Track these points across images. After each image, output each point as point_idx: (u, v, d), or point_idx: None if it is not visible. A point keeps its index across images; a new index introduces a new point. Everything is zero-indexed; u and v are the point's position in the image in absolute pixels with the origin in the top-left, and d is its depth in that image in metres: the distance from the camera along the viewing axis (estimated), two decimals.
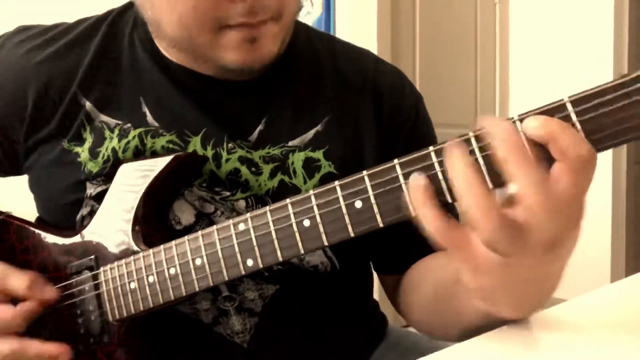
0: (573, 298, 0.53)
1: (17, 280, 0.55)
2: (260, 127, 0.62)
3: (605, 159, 2.67)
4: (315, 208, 0.45)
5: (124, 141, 0.60)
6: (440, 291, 0.56)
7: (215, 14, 0.52)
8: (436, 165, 0.40)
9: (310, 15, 2.66)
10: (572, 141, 0.36)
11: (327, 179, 0.61)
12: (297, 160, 0.61)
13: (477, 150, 0.39)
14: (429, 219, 0.39)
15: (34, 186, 0.66)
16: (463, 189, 0.37)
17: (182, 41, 0.57)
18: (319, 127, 0.63)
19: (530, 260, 0.38)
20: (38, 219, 0.67)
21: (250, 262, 0.48)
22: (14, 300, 0.55)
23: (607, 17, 2.77)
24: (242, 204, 0.60)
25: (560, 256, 0.40)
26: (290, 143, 0.62)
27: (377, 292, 0.74)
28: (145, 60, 0.63)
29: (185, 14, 0.52)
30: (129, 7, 0.67)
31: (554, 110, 0.37)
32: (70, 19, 0.68)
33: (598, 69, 2.75)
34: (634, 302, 0.53)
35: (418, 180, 0.40)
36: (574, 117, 0.37)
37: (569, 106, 0.37)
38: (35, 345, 0.54)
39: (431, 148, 0.41)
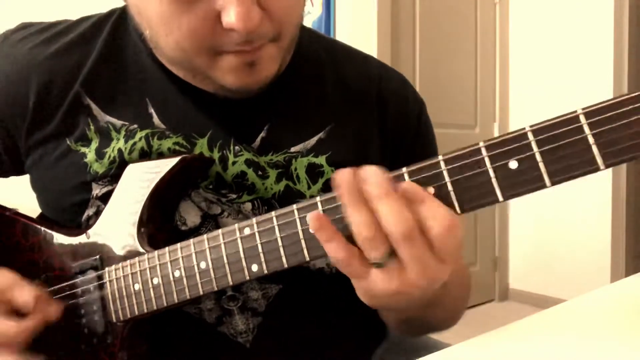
0: (573, 298, 0.53)
1: (23, 295, 0.55)
2: (262, 134, 0.61)
3: None
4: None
5: (131, 142, 0.59)
6: None
7: (211, 42, 0.51)
8: (445, 174, 0.41)
9: (310, 15, 2.66)
10: (431, 215, 0.40)
11: (330, 184, 0.61)
12: (300, 166, 0.61)
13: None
14: (333, 252, 0.42)
15: (37, 185, 0.66)
16: (353, 219, 0.41)
17: (181, 62, 0.57)
18: (321, 134, 0.63)
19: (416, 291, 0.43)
20: (41, 216, 0.66)
21: (255, 268, 0.48)
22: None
23: (607, 17, 2.77)
24: (248, 206, 0.60)
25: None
26: (293, 149, 0.61)
27: None
28: (149, 63, 0.62)
29: (181, 39, 0.51)
30: None
31: (567, 122, 0.37)
32: (72, 17, 0.67)
33: (598, 69, 2.75)
34: (634, 302, 0.53)
35: (317, 220, 0.42)
36: (586, 130, 0.36)
37: (582, 118, 0.37)
38: None
39: (440, 157, 0.41)
